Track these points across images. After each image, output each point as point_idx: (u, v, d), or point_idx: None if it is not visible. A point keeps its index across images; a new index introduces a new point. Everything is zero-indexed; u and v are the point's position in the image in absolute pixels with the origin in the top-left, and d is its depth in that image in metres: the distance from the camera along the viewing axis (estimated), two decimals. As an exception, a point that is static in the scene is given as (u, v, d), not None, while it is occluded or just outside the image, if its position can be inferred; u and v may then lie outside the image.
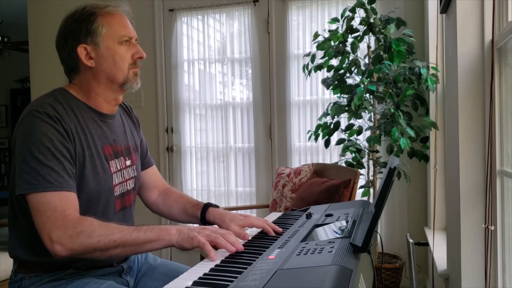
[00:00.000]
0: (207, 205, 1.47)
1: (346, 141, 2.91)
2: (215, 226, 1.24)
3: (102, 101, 1.36)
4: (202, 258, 1.13)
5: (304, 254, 0.96)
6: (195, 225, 1.44)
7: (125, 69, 1.33)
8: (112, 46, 1.31)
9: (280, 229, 1.33)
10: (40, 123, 1.19)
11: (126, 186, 1.40)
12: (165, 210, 1.58)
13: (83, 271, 1.30)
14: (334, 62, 3.02)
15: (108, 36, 1.30)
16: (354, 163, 2.84)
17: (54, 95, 1.29)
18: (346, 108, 2.88)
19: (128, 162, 1.41)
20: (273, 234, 1.30)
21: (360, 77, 2.90)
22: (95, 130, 1.32)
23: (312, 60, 2.98)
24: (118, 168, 1.36)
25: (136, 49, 1.35)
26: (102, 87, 1.33)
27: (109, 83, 1.33)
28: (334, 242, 1.00)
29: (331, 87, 2.96)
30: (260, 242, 1.24)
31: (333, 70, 2.93)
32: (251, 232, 1.34)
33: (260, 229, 1.35)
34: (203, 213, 1.46)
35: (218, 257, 1.10)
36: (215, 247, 1.14)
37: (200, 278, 0.96)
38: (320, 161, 3.41)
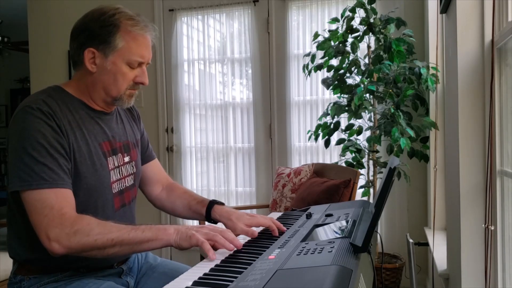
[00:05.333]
0: (213, 202, 1.45)
1: (346, 141, 2.90)
2: (213, 224, 1.24)
3: (95, 103, 1.35)
4: (202, 258, 1.13)
5: (304, 254, 0.96)
6: (195, 223, 1.44)
7: (123, 89, 1.31)
8: (118, 64, 1.28)
9: (285, 228, 1.33)
10: (33, 119, 1.18)
11: (125, 183, 1.39)
12: (168, 206, 1.57)
13: (82, 272, 1.29)
14: (334, 62, 3.02)
15: (120, 54, 1.27)
16: (354, 163, 2.84)
17: (48, 92, 1.28)
18: (346, 108, 2.88)
19: (126, 159, 1.40)
20: (277, 234, 1.30)
21: (360, 77, 2.89)
22: (92, 126, 1.31)
23: (312, 60, 2.98)
24: (116, 165, 1.35)
25: (141, 72, 1.32)
26: (95, 94, 1.32)
27: (103, 93, 1.32)
28: (334, 242, 1.00)
29: (331, 87, 2.96)
30: (260, 242, 1.24)
31: (333, 70, 2.93)
32: (257, 230, 1.34)
33: (262, 228, 1.35)
34: (209, 211, 1.44)
35: (216, 257, 1.09)
36: (214, 247, 1.14)
37: (200, 278, 0.96)
38: (320, 161, 3.41)
